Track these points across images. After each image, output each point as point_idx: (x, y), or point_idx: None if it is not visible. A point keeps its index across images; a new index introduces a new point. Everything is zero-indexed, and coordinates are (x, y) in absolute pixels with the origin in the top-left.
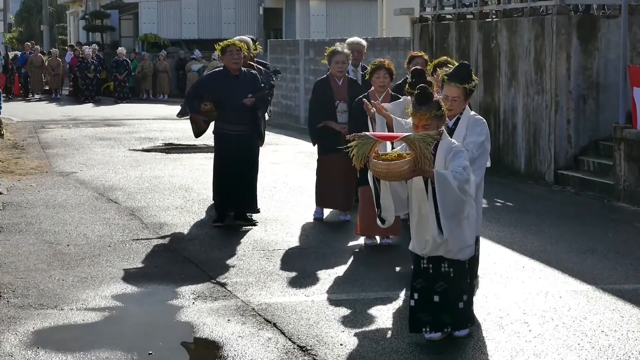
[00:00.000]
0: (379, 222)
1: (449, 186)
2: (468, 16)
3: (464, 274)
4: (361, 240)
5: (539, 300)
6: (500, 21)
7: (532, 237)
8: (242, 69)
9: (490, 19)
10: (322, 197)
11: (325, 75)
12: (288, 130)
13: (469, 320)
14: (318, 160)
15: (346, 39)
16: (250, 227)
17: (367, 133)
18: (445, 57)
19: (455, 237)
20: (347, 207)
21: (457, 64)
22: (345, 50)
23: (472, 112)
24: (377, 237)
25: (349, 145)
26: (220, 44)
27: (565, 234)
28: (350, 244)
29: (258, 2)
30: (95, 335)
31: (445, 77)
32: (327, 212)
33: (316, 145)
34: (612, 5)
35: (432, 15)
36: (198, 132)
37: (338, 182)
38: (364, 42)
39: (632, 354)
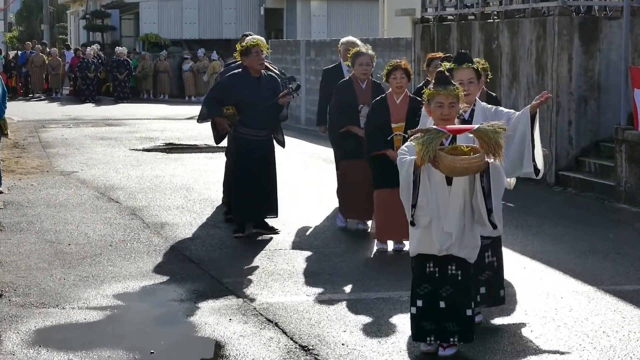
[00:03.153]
0: (410, 226)
1: (501, 175)
2: (470, 17)
3: (471, 279)
4: (357, 236)
5: (540, 301)
6: (501, 22)
7: (533, 238)
8: (262, 70)
9: (491, 20)
10: (347, 208)
11: (348, 77)
12: (289, 130)
13: (474, 332)
14: (339, 167)
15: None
16: (270, 235)
17: (435, 126)
18: (477, 59)
19: (470, 233)
20: (370, 216)
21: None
22: (370, 52)
23: (483, 103)
24: (390, 243)
25: (412, 139)
26: (243, 44)
27: (566, 235)
28: (353, 243)
29: (259, 3)
30: (97, 334)
31: (453, 64)
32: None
33: (333, 151)
34: (613, 6)
35: (434, 15)
36: (219, 137)
37: (361, 190)
38: (358, 41)
39: (634, 354)
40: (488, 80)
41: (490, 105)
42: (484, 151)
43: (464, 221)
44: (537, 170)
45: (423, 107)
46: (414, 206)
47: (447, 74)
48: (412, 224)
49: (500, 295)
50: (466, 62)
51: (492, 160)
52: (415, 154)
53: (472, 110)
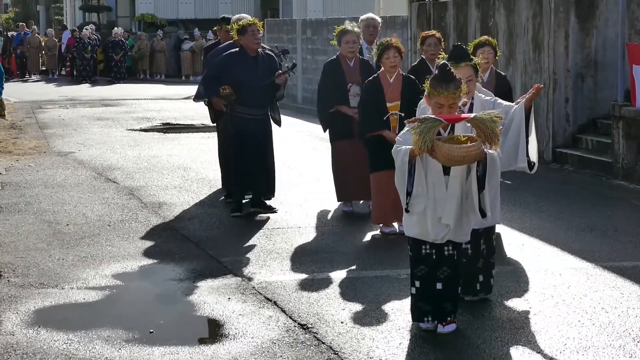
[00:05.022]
0: (405, 212)
1: (496, 167)
2: None
3: (462, 257)
4: (350, 215)
5: (539, 278)
6: None
7: (531, 215)
8: (258, 50)
9: None
10: (343, 191)
11: (335, 56)
12: (285, 109)
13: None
14: (332, 149)
15: (344, 19)
16: (268, 214)
17: (431, 115)
18: (485, 37)
19: (466, 219)
20: (365, 196)
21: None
22: (356, 29)
23: (481, 94)
24: (396, 225)
25: (409, 128)
26: (240, 23)
27: (563, 211)
28: (351, 222)
29: None
30: (96, 314)
31: (451, 62)
32: (334, 199)
33: (327, 132)
34: None
35: None
36: (215, 117)
37: (354, 170)
38: (378, 19)
39: (632, 330)
40: (497, 58)
41: (488, 97)
42: (481, 140)
43: (461, 211)
44: (531, 165)
45: (423, 98)
46: (409, 194)
47: (450, 68)
48: (407, 210)
49: (490, 283)
50: (464, 58)
51: (488, 148)
52: (413, 143)
53: (471, 104)
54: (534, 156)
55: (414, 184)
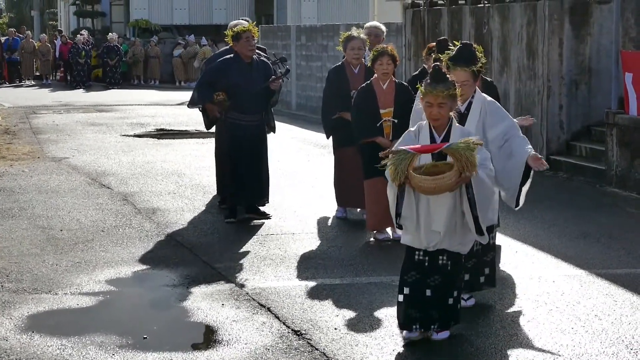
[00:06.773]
0: (397, 228)
1: (486, 186)
2: (460, 2)
3: (460, 268)
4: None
5: (532, 285)
6: (492, 7)
7: (525, 222)
8: (253, 55)
9: (482, 5)
10: (343, 196)
11: (340, 63)
12: (280, 116)
13: (454, 318)
14: (335, 155)
15: (338, 25)
16: (262, 220)
17: (404, 147)
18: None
19: (461, 230)
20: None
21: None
22: (362, 36)
23: (484, 95)
24: (389, 231)
25: (384, 163)
26: (234, 29)
27: (557, 219)
28: (345, 229)
29: None
30: (89, 320)
31: (449, 62)
32: (328, 205)
33: (330, 138)
34: None
35: (424, 0)
36: (209, 123)
37: (356, 177)
38: (382, 27)
39: (625, 337)
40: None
41: (492, 99)
42: (456, 169)
43: (454, 218)
44: (517, 205)
45: (418, 100)
46: (398, 215)
47: (443, 70)
48: (400, 227)
49: (479, 281)
50: (464, 62)
51: (468, 174)
52: (389, 175)
53: (470, 103)
54: (522, 200)
55: (403, 205)
